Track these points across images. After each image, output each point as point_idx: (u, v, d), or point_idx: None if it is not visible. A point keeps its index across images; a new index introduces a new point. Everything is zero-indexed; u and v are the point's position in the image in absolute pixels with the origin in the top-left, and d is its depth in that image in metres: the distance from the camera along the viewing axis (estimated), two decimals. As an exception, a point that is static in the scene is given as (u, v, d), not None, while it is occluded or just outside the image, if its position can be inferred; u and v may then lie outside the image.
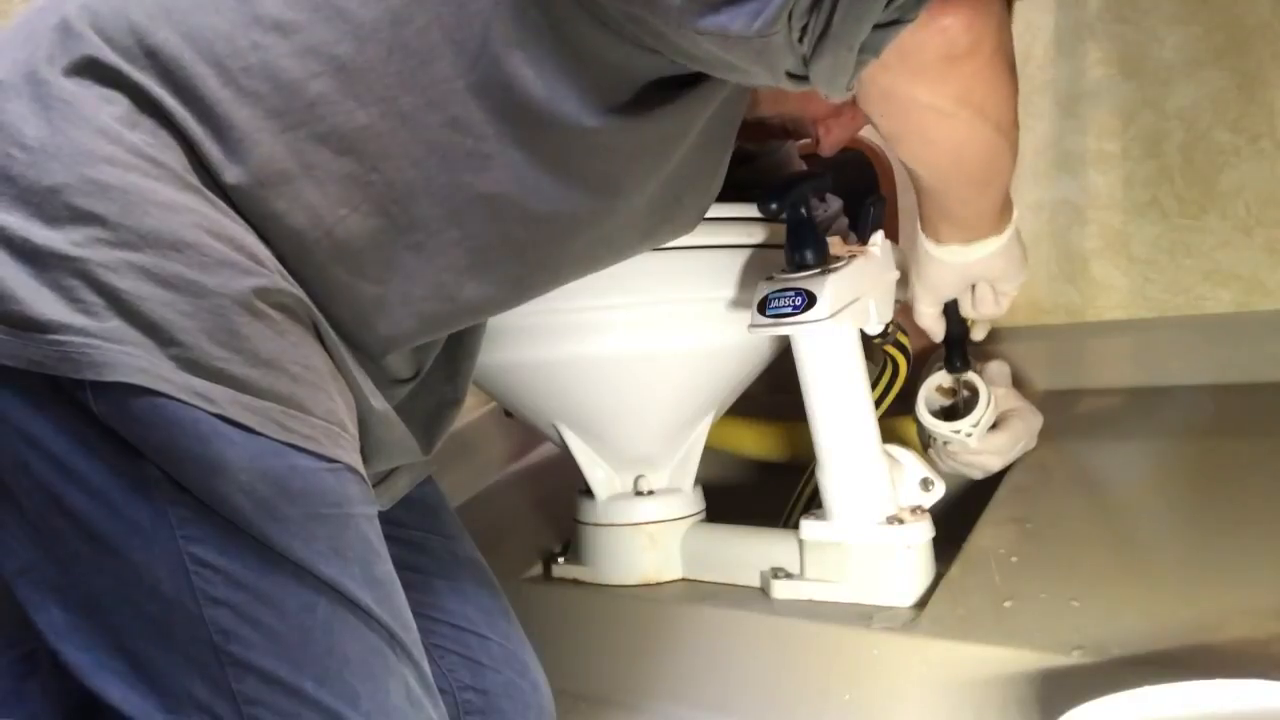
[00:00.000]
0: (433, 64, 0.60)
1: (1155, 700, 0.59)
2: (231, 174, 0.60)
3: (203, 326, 0.56)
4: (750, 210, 0.86)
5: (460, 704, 0.82)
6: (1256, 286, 1.16)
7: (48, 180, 0.56)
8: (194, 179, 0.59)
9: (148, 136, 0.59)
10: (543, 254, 0.69)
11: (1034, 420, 1.01)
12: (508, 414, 1.08)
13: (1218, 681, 0.58)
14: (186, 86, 0.59)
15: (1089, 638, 0.69)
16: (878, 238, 0.87)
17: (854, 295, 0.82)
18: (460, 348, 0.79)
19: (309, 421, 0.59)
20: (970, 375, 0.94)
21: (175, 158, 0.59)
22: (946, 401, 0.96)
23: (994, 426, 0.95)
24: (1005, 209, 0.82)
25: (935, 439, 0.95)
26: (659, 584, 0.96)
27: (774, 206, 0.80)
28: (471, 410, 1.30)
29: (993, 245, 0.82)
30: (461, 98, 0.61)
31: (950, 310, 0.91)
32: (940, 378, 0.95)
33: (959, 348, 0.94)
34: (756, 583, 0.91)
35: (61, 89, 0.58)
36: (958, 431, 0.91)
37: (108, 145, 0.57)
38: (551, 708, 0.85)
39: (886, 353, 0.99)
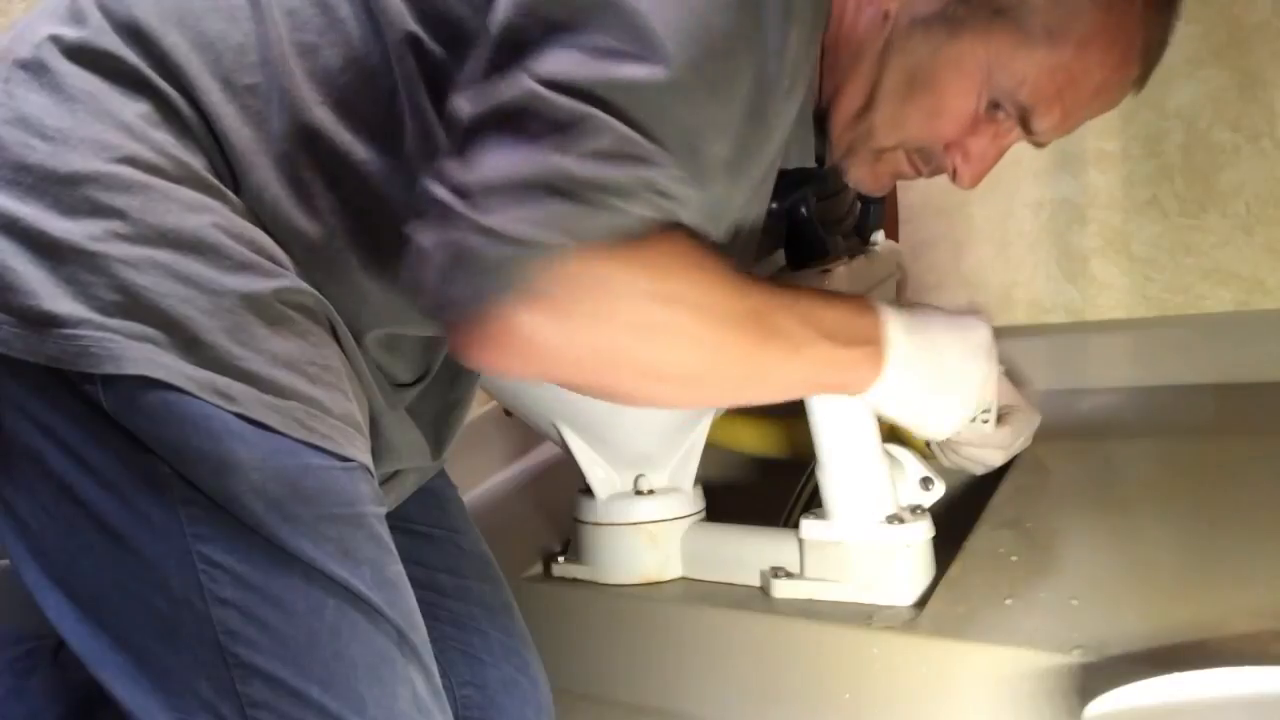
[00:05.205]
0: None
1: (1192, 685, 0.58)
2: (231, 187, 0.60)
3: (224, 325, 0.56)
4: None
5: (459, 699, 0.82)
6: (1256, 286, 1.17)
7: (65, 169, 0.56)
8: (215, 180, 0.59)
9: (171, 137, 0.59)
10: None
11: (1033, 416, 1.01)
12: (507, 413, 1.08)
13: (1261, 668, 0.58)
14: (190, 96, 0.59)
15: (1089, 636, 0.69)
16: (878, 237, 0.87)
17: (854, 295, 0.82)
18: None
19: (327, 421, 0.59)
20: None
21: (196, 159, 0.59)
22: None
23: (997, 421, 0.95)
24: (831, 358, 0.67)
25: None
26: (659, 583, 0.96)
27: (774, 206, 0.81)
28: (471, 410, 1.30)
29: (892, 376, 0.69)
30: None
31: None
32: None
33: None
34: (757, 582, 0.91)
35: (86, 81, 0.58)
36: (973, 419, 0.91)
37: (132, 142, 0.57)
38: (550, 705, 0.85)
39: (886, 352, 0.99)
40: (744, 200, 0.66)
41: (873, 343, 0.68)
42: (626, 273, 0.56)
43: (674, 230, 0.57)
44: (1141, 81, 0.69)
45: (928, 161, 0.71)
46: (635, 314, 0.57)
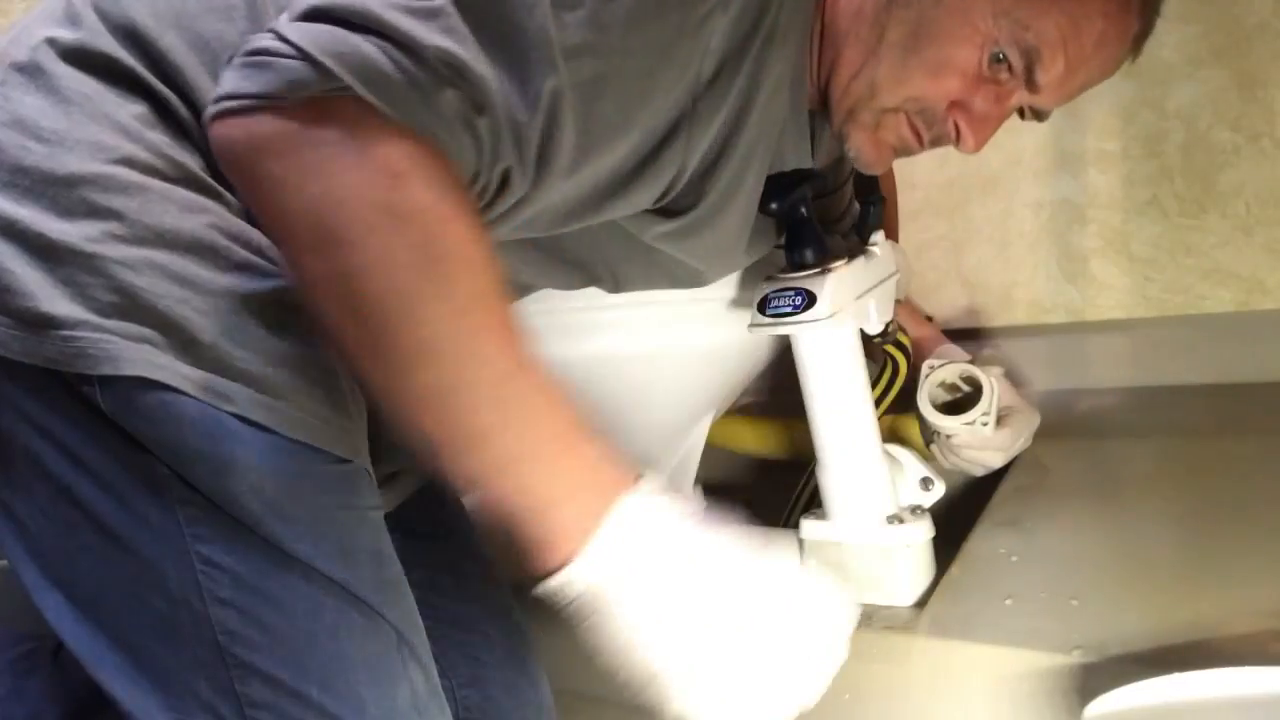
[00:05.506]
0: None
1: (1192, 685, 0.59)
2: (228, 187, 0.60)
3: (221, 326, 0.56)
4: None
5: (460, 700, 0.82)
6: (1256, 286, 1.17)
7: (62, 171, 0.56)
8: (211, 181, 0.59)
9: (168, 138, 0.59)
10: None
11: (1032, 418, 1.01)
12: (508, 413, 1.08)
13: (1261, 668, 0.58)
14: (187, 96, 0.59)
15: (1089, 637, 0.69)
16: (878, 238, 0.87)
17: (854, 295, 0.82)
18: None
19: (326, 420, 0.59)
20: (968, 368, 0.94)
21: (193, 159, 0.59)
22: (949, 397, 0.96)
23: (997, 423, 0.95)
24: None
25: (939, 434, 0.95)
26: (659, 583, 0.96)
27: (774, 206, 0.80)
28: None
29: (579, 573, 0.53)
30: None
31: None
32: (942, 374, 0.95)
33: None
34: (756, 582, 0.91)
35: (82, 83, 0.58)
36: (971, 422, 0.91)
37: (129, 143, 0.57)
38: (551, 706, 0.85)
39: (886, 352, 0.99)
40: (646, 192, 0.66)
41: (597, 493, 0.55)
42: (386, 153, 0.51)
43: (478, 184, 0.56)
44: (1139, 43, 0.69)
45: (930, 125, 0.71)
46: (363, 189, 0.51)
